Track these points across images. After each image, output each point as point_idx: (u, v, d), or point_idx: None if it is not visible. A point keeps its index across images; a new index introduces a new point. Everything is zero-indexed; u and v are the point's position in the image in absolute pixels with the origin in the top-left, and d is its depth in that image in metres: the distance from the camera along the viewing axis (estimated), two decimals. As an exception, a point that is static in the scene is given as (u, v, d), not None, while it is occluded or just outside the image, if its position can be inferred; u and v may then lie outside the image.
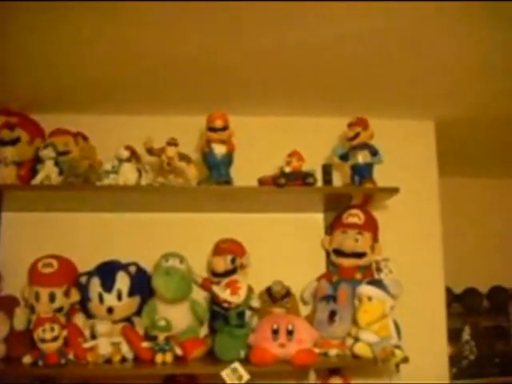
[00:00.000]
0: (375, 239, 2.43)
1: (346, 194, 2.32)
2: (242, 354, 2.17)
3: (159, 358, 2.13)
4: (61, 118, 2.48)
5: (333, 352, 2.23)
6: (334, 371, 2.38)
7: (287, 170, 2.25)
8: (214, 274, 2.37)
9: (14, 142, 2.29)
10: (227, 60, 2.05)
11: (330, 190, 2.34)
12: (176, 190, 2.23)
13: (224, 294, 2.19)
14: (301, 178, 2.24)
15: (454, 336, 3.29)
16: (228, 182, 2.24)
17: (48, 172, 2.23)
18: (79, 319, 2.30)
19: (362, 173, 2.29)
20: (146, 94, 2.38)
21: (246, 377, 2.11)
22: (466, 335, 3.75)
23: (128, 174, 2.23)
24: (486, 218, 3.97)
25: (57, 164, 2.26)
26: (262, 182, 2.27)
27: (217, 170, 2.24)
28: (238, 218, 2.53)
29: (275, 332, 2.15)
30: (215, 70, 2.13)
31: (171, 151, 2.21)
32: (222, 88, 2.31)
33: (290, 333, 2.15)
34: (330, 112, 2.53)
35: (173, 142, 2.22)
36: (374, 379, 2.48)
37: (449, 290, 3.15)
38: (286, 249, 2.55)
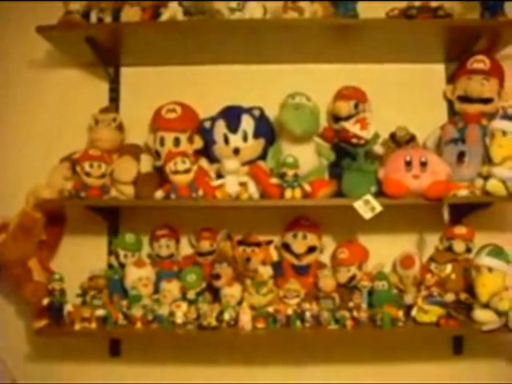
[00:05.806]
0: (501, 85, 2.34)
1: (474, 32, 2.21)
2: (373, 189, 2.13)
3: (288, 193, 2.10)
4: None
5: (462, 193, 2.16)
6: (458, 221, 2.33)
7: (416, 4, 2.17)
8: (336, 118, 2.34)
9: (137, -17, 2.28)
10: None
11: (463, 22, 2.21)
12: (303, 23, 2.18)
13: (354, 128, 2.15)
14: (431, 11, 2.16)
15: None
16: (355, 15, 2.18)
17: (173, 12, 2.21)
18: (204, 163, 2.30)
19: (494, 8, 2.19)
20: None
21: (378, 208, 2.08)
22: None
23: (254, 11, 2.19)
24: None
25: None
26: (389, 15, 2.20)
27: (343, 4, 2.18)
28: (358, 69, 2.48)
29: (408, 164, 2.10)
30: None
31: (297, -17, 2.17)
32: None
33: (423, 164, 2.10)
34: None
35: (298, -25, 2.17)
36: (499, 231, 2.40)
37: None
38: (407, 99, 2.49)
